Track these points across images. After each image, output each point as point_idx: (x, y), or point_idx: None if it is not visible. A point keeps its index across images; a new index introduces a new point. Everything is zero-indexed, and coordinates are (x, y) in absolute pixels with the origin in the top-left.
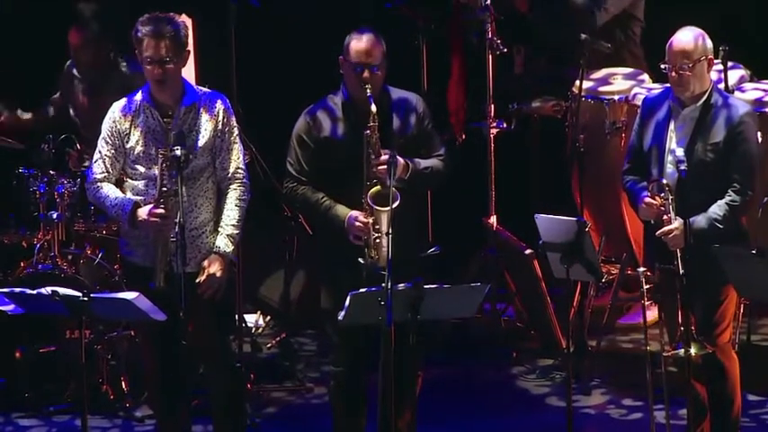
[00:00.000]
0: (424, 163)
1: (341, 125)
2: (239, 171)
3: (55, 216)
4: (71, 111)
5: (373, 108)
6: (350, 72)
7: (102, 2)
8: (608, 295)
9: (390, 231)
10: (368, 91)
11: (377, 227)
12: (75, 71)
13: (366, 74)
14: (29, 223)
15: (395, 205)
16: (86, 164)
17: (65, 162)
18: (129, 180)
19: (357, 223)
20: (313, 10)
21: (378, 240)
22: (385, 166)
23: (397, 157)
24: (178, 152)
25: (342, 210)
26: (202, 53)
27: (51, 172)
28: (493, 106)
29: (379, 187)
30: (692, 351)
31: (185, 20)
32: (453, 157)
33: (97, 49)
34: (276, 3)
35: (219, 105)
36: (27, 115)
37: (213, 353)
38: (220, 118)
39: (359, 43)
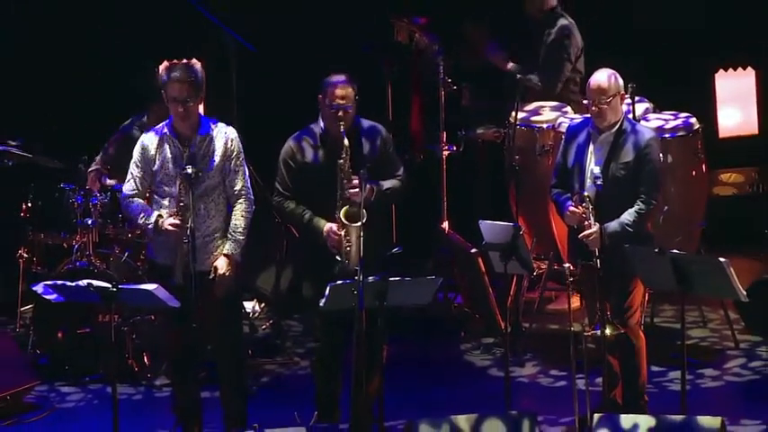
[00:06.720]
0: (386, 185)
1: (319, 152)
2: (245, 189)
3: (90, 222)
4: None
5: (345, 142)
6: (327, 109)
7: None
8: (539, 287)
9: (362, 234)
10: (341, 127)
11: (347, 238)
12: (134, 130)
13: (340, 113)
14: (69, 228)
15: (362, 222)
16: (109, 182)
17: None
18: (156, 196)
19: (332, 235)
20: (300, 56)
21: (348, 249)
22: (356, 190)
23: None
24: (189, 170)
25: (320, 222)
26: (209, 90)
27: (87, 187)
28: (445, 133)
29: (349, 207)
30: (608, 331)
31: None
32: (413, 174)
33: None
34: (270, 48)
35: (229, 135)
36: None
37: (222, 335)
38: (229, 146)
39: (335, 86)
